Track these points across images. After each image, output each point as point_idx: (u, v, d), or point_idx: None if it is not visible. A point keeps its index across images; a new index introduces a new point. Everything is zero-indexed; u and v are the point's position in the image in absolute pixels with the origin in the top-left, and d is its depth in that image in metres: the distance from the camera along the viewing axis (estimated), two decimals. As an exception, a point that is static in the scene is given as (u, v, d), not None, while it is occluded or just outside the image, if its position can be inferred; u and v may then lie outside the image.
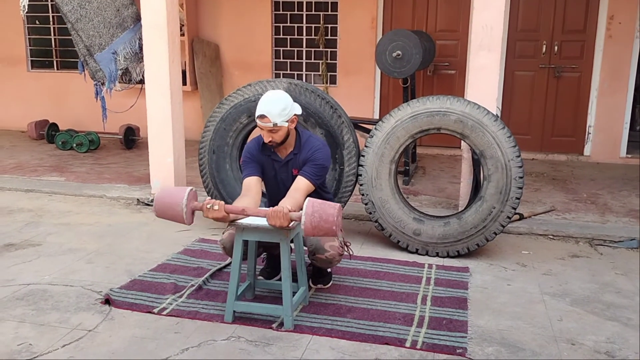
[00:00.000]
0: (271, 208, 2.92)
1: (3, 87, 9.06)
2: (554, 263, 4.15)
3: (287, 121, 3.20)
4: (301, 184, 3.23)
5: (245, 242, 3.21)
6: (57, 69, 8.93)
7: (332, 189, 4.30)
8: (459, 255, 4.19)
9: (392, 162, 4.24)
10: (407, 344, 2.95)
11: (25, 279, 3.67)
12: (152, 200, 5.35)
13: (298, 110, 3.28)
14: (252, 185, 3.29)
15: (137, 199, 5.43)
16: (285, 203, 3.07)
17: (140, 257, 4.08)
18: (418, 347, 2.93)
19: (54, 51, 8.93)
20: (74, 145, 7.55)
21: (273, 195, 3.46)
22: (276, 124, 3.15)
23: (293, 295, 3.16)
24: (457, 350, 2.90)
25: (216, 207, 2.92)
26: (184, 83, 7.92)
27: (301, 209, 3.18)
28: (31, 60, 9.03)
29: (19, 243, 4.31)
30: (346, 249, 3.44)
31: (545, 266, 4.09)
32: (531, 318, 3.29)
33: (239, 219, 3.06)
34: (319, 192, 3.43)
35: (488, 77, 4.62)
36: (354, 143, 4.31)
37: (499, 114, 5.01)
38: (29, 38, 8.97)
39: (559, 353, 2.90)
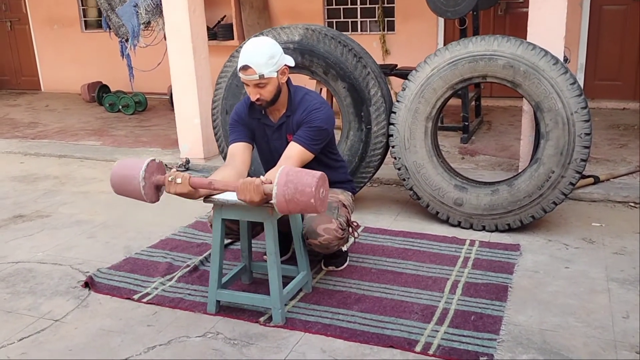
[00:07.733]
0: (242, 180, 2.39)
1: (59, 49, 9.01)
2: (630, 238, 3.37)
3: (276, 72, 2.63)
4: (294, 150, 2.66)
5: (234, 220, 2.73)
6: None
7: (358, 152, 3.71)
8: (509, 229, 3.50)
9: (428, 119, 3.57)
10: (418, 348, 2.37)
11: (17, 255, 3.40)
12: (180, 165, 4.99)
13: (290, 61, 2.71)
14: (237, 153, 2.77)
15: (165, 164, 5.08)
16: (272, 174, 2.53)
17: (147, 230, 3.71)
18: (431, 352, 2.35)
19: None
20: (121, 107, 7.35)
21: (268, 165, 2.91)
22: (263, 75, 2.58)
23: (287, 284, 2.66)
24: (480, 358, 2.30)
25: (179, 181, 2.43)
26: (231, 37, 7.46)
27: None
28: (85, 21, 8.89)
29: (29, 214, 4.08)
30: (351, 231, 2.86)
31: (619, 243, 3.32)
32: (587, 314, 2.60)
33: (214, 194, 2.57)
34: (324, 160, 2.85)
35: (553, 10, 3.78)
36: (382, 97, 3.66)
37: (569, 57, 4.14)
38: (81, -2, 8.83)
39: (617, 365, 2.23)
